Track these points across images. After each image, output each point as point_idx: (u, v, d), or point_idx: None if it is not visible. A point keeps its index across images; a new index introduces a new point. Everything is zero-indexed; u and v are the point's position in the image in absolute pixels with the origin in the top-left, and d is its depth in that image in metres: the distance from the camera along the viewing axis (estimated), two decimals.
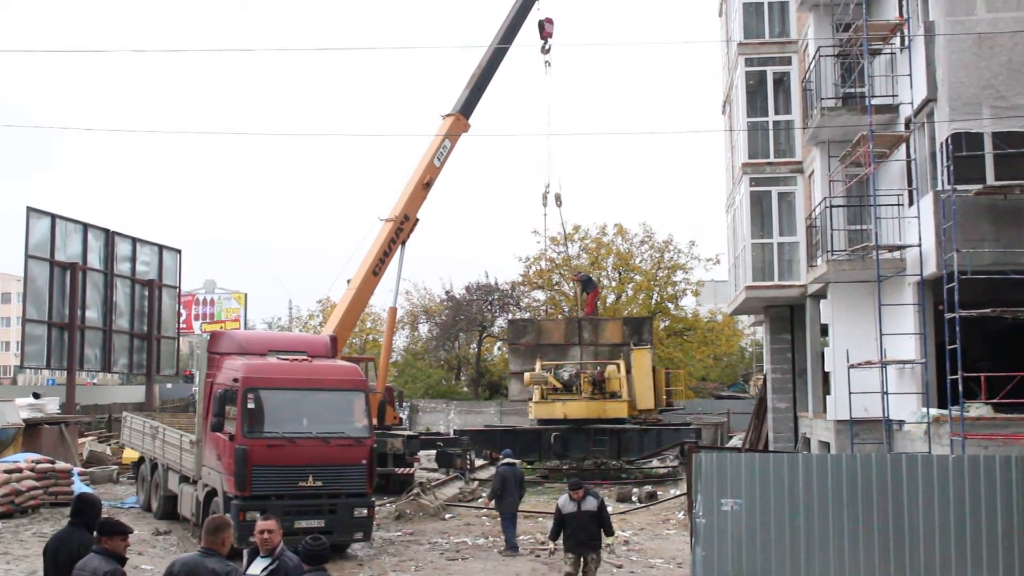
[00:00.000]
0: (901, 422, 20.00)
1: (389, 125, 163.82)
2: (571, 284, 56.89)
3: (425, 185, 30.87)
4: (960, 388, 16.97)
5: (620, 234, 57.77)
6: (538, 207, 38.93)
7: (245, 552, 9.24)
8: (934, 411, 18.45)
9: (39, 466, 25.09)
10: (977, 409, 17.45)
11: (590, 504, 14.78)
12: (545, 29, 34.64)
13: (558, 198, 37.59)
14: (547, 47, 34.94)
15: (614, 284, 58.36)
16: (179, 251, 48.41)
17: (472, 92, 32.11)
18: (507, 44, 32.76)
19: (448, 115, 31.84)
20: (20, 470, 24.47)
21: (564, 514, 14.85)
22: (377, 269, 29.84)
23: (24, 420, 30.08)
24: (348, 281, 30.07)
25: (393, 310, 33.01)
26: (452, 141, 31.62)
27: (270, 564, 8.73)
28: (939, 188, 18.36)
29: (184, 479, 21.37)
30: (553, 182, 37.96)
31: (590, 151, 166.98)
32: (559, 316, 44.59)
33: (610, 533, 15.19)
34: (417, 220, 30.91)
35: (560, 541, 15.21)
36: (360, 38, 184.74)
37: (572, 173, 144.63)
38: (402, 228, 30.27)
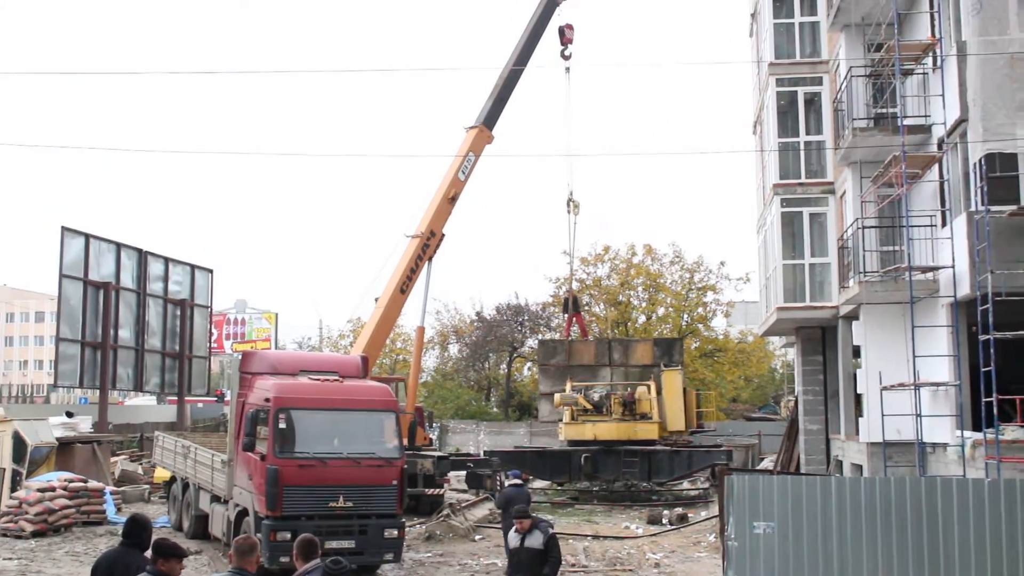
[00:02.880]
0: (935, 445, 19.82)
1: (418, 140, 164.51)
2: (603, 305, 56.91)
3: (450, 200, 30.87)
4: (995, 411, 16.80)
5: (649, 254, 57.72)
6: (567, 226, 38.89)
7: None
8: (969, 434, 18.27)
9: (72, 485, 25.26)
10: (1012, 432, 17.27)
11: (535, 539, 12.47)
12: (565, 35, 34.82)
13: (576, 205, 37.54)
14: (567, 52, 35.09)
15: (644, 305, 58.28)
16: (211, 271, 48.77)
17: (495, 103, 32.09)
18: (529, 51, 32.87)
19: (471, 127, 31.81)
20: (53, 489, 24.64)
21: (509, 549, 12.78)
22: (404, 287, 29.84)
23: (57, 439, 30.28)
24: (376, 300, 30.09)
25: (421, 329, 33.00)
26: (476, 154, 31.63)
27: None
28: (972, 209, 18.23)
29: (215, 499, 21.43)
30: (572, 188, 37.85)
31: (618, 170, 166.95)
32: (589, 337, 44.41)
33: (554, 574, 12.57)
34: (443, 236, 30.91)
35: None
36: (386, 51, 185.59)
37: (599, 192, 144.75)
38: (428, 244, 30.27)
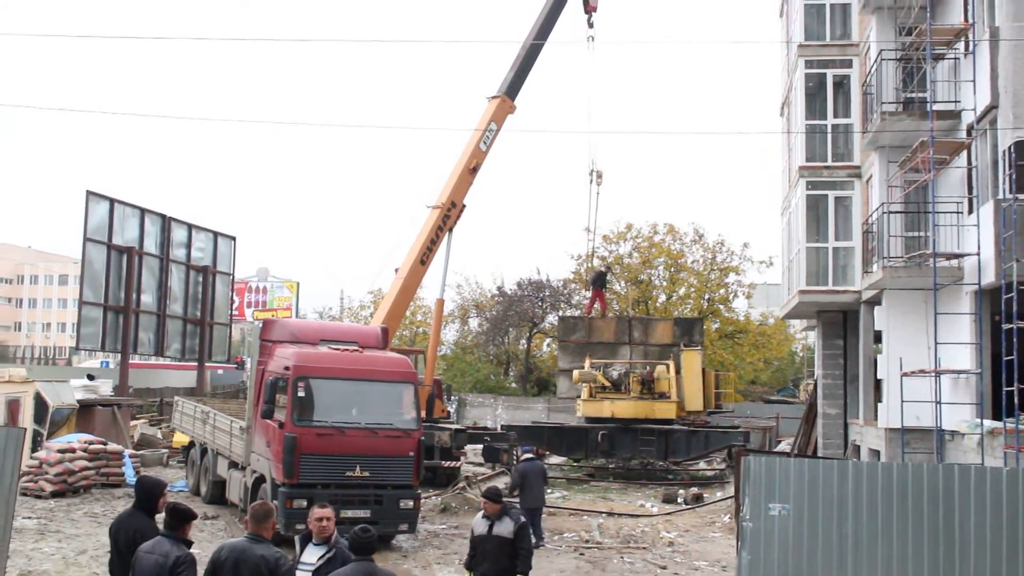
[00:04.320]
0: (953, 432, 19.75)
1: (440, 111, 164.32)
2: (624, 283, 56.82)
3: (472, 170, 30.75)
4: (1016, 400, 16.71)
5: (671, 233, 57.56)
6: (589, 198, 38.72)
7: (297, 539, 9.25)
8: (989, 423, 18.18)
9: (92, 447, 25.49)
10: None
11: (504, 527, 11.37)
12: (589, 3, 34.50)
13: (599, 175, 37.39)
14: (592, 21, 34.81)
15: (665, 284, 58.17)
16: (233, 238, 48.85)
17: (518, 73, 31.84)
18: (552, 19, 32.47)
19: (493, 97, 31.58)
20: (73, 450, 24.87)
21: (474, 535, 11.64)
22: (425, 258, 29.80)
23: (78, 401, 30.51)
24: (396, 270, 30.08)
25: (440, 302, 32.97)
26: (498, 124, 31.45)
27: (327, 552, 8.71)
28: (1000, 196, 18.08)
29: (233, 465, 21.57)
30: (595, 160, 37.67)
31: (643, 149, 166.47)
32: (610, 314, 44.33)
33: (524, 570, 11.43)
34: (464, 206, 30.83)
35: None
36: (410, 21, 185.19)
37: (622, 170, 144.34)
38: (449, 215, 30.19)
